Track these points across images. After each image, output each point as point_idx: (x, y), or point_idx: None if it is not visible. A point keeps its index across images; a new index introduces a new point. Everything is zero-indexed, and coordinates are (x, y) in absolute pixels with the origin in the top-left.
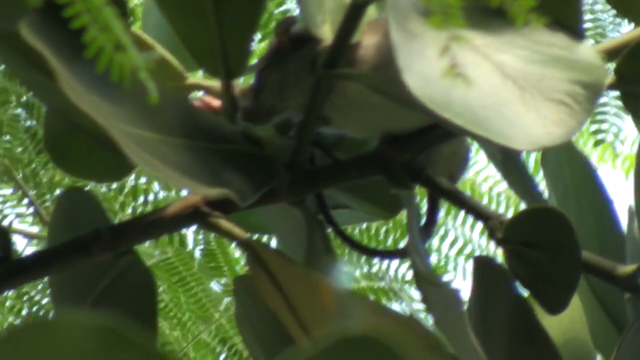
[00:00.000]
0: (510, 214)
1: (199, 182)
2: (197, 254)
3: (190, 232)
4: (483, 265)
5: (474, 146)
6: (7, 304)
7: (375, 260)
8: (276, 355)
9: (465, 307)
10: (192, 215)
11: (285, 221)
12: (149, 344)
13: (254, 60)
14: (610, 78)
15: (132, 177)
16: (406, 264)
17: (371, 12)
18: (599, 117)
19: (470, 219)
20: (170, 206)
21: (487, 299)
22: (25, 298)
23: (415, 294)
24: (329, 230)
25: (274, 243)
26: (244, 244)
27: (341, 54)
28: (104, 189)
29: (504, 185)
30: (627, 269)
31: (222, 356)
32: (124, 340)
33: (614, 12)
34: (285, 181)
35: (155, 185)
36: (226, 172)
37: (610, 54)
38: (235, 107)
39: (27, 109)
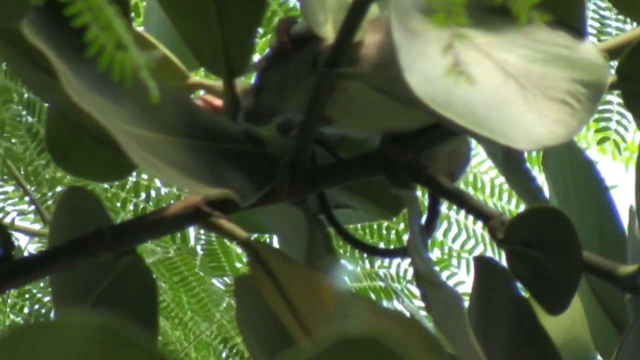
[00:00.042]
0: (512, 205)
1: (199, 182)
2: (199, 251)
3: (191, 229)
4: (483, 265)
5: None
6: (9, 301)
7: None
8: (276, 356)
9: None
10: (193, 215)
11: (286, 221)
12: (150, 344)
13: (255, 59)
14: (612, 77)
15: (134, 173)
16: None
17: (373, 10)
18: (602, 115)
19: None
20: (171, 206)
21: (487, 299)
22: (27, 296)
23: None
24: (330, 229)
25: (275, 243)
26: (245, 244)
27: (343, 52)
28: (105, 185)
29: None
30: (628, 269)
31: (224, 355)
32: (124, 341)
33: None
34: (286, 181)
35: (157, 182)
36: (227, 171)
37: (612, 53)
38: (237, 106)
39: (29, 108)
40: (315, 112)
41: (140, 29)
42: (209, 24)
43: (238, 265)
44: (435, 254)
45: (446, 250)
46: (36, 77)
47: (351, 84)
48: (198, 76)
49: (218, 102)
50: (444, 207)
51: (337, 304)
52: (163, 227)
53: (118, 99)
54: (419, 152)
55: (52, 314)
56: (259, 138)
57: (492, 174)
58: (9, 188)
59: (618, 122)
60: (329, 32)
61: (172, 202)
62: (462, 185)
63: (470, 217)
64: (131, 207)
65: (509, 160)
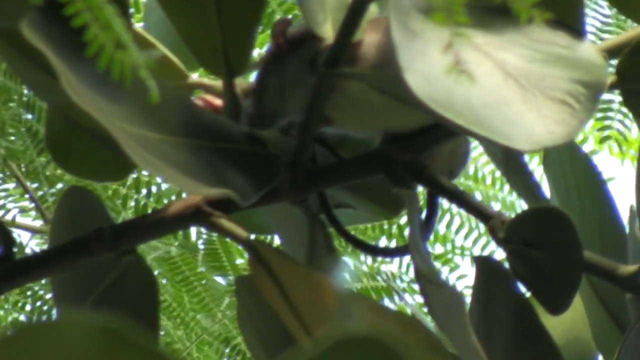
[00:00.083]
0: (513, 196)
1: (200, 182)
2: (200, 246)
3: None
4: (484, 265)
5: None
6: (10, 299)
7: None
8: (278, 355)
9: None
10: (194, 215)
11: (287, 221)
12: (151, 344)
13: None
14: (611, 77)
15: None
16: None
17: (373, 10)
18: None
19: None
20: (171, 206)
21: (488, 299)
22: (29, 293)
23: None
24: (331, 229)
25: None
26: (246, 244)
27: (343, 52)
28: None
29: None
30: (629, 269)
31: (226, 354)
32: (125, 341)
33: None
34: (287, 181)
35: (158, 178)
36: (228, 171)
37: (611, 53)
38: (236, 105)
39: (28, 108)
40: (315, 112)
41: (140, 25)
42: (209, 23)
43: (239, 261)
44: (437, 248)
45: (449, 243)
46: (36, 76)
47: (351, 83)
48: (199, 74)
49: (218, 101)
50: (446, 200)
51: (338, 304)
52: (164, 226)
53: (118, 98)
54: (420, 152)
55: (54, 311)
56: (260, 138)
57: (492, 166)
58: (10, 185)
59: (620, 122)
60: (328, 31)
61: (173, 197)
62: (462, 178)
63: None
64: (132, 204)
65: (509, 160)
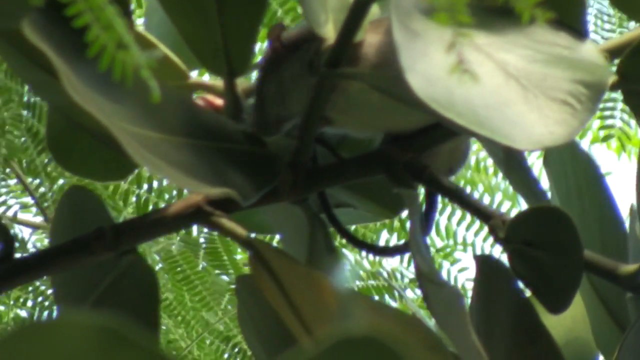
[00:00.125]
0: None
1: (201, 182)
2: (202, 244)
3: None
4: (485, 264)
5: None
6: (12, 294)
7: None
8: (278, 355)
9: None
10: (194, 214)
11: (287, 220)
12: (151, 344)
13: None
14: (613, 77)
15: None
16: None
17: (374, 10)
18: (606, 113)
19: (476, 196)
20: (172, 205)
21: (488, 298)
22: (30, 289)
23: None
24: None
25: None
26: (246, 243)
27: (344, 52)
28: None
29: None
30: (630, 268)
31: (226, 352)
32: (125, 341)
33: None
34: (287, 180)
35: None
36: (228, 171)
37: (613, 53)
38: (238, 105)
39: (29, 108)
40: (316, 112)
41: (141, 20)
42: (210, 23)
43: (239, 257)
44: (438, 242)
45: (450, 239)
46: (37, 76)
47: (352, 84)
48: (199, 76)
49: (219, 101)
50: None
51: (338, 303)
52: (164, 226)
53: (119, 98)
54: (420, 152)
55: (55, 307)
56: (260, 138)
57: None
58: (12, 181)
59: (624, 121)
60: (329, 32)
61: (174, 192)
62: (463, 169)
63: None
64: (133, 199)
65: (510, 160)
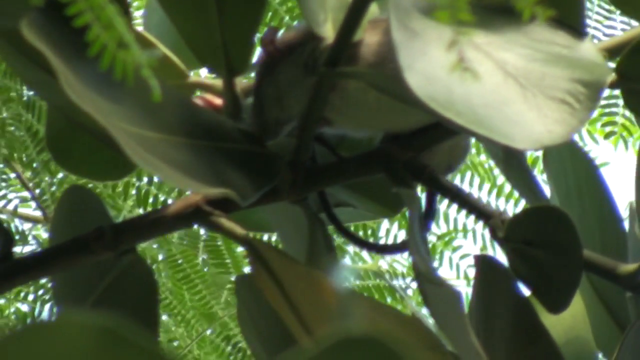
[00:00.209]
0: None
1: (200, 182)
2: (202, 233)
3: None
4: (484, 264)
5: None
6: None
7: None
8: (278, 354)
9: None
10: (194, 214)
11: (287, 220)
12: (150, 344)
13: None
14: (612, 76)
15: None
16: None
17: (373, 9)
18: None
19: (478, 179)
20: (171, 205)
21: (488, 298)
22: (30, 282)
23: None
24: (332, 227)
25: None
26: (245, 243)
27: (343, 51)
28: None
29: None
30: (629, 267)
31: (227, 352)
32: (124, 341)
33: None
34: (286, 180)
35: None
36: (227, 170)
37: (612, 52)
38: (237, 105)
39: (29, 107)
40: (315, 111)
41: (140, 12)
42: (209, 22)
43: (240, 249)
44: (441, 227)
45: (451, 222)
46: (36, 76)
47: (351, 83)
48: (198, 75)
49: (218, 101)
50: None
51: (338, 303)
52: (163, 225)
53: (117, 98)
54: (420, 151)
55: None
56: (259, 137)
57: None
58: (12, 175)
59: (623, 116)
60: (328, 31)
61: (174, 185)
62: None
63: (475, 189)
64: (133, 192)
65: (510, 159)
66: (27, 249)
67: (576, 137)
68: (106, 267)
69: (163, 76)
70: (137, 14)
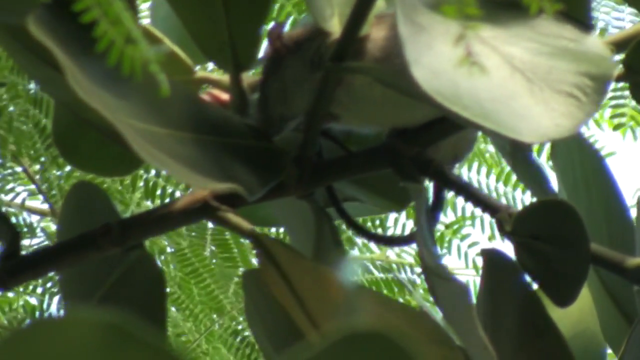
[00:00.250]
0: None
1: (207, 177)
2: (209, 225)
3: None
4: (492, 258)
5: None
6: None
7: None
8: (285, 349)
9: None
10: (201, 209)
11: (294, 215)
12: (157, 340)
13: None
14: (618, 69)
15: None
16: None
17: (379, 4)
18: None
19: (485, 168)
20: (179, 200)
21: (495, 292)
22: None
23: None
24: (339, 222)
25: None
26: (253, 238)
27: (349, 46)
28: None
29: None
30: (637, 260)
31: (237, 347)
32: (131, 338)
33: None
34: (293, 175)
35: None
36: (234, 166)
37: (618, 46)
38: (244, 100)
39: (36, 103)
40: (321, 106)
41: (146, 4)
42: (216, 18)
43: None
44: (449, 215)
45: (459, 210)
46: (43, 72)
47: (357, 78)
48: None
49: (225, 96)
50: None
51: (345, 298)
52: (171, 221)
53: (124, 94)
54: (426, 146)
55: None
56: (266, 132)
57: None
58: (19, 168)
59: (631, 107)
60: (335, 26)
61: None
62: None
63: (483, 175)
64: (141, 184)
65: (517, 153)
66: (35, 242)
67: (583, 127)
68: (114, 262)
69: (170, 72)
70: (144, 7)
